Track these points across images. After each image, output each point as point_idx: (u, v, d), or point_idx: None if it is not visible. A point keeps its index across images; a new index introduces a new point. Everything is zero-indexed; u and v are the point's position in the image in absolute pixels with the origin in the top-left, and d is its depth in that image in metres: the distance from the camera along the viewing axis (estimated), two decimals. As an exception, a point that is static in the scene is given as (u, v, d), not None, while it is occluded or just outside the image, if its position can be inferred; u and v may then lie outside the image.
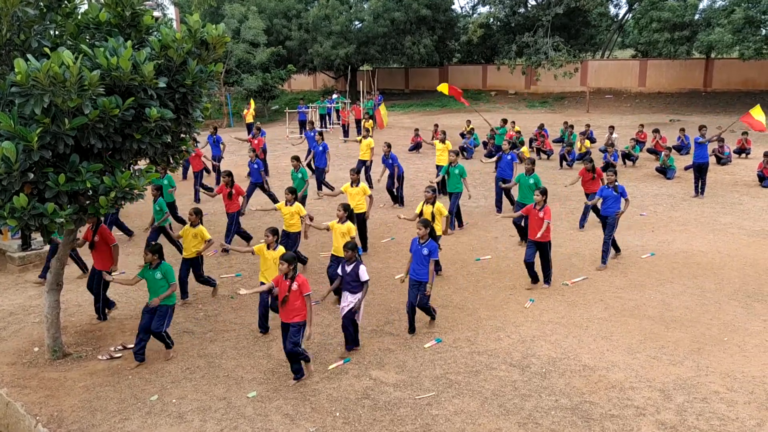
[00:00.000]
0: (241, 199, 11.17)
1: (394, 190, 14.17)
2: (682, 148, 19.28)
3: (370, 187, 15.56)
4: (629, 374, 6.69)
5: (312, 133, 16.89)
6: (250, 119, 23.61)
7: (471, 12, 41.26)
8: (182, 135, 7.18)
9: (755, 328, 7.75)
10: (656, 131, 19.27)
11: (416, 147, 21.12)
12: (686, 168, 16.58)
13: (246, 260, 10.69)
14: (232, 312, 8.67)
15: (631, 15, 37.32)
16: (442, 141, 14.94)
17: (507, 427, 5.81)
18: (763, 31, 26.02)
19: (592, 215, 12.17)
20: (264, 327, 7.90)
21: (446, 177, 12.18)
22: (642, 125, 20.65)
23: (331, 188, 14.45)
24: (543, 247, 9.06)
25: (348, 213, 8.44)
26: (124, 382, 6.83)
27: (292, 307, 6.45)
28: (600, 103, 32.16)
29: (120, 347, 7.62)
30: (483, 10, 38.87)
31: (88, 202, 6.22)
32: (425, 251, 7.53)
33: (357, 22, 36.02)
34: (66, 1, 6.67)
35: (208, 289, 9.42)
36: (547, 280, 9.27)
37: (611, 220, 9.89)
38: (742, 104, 26.63)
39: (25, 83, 5.27)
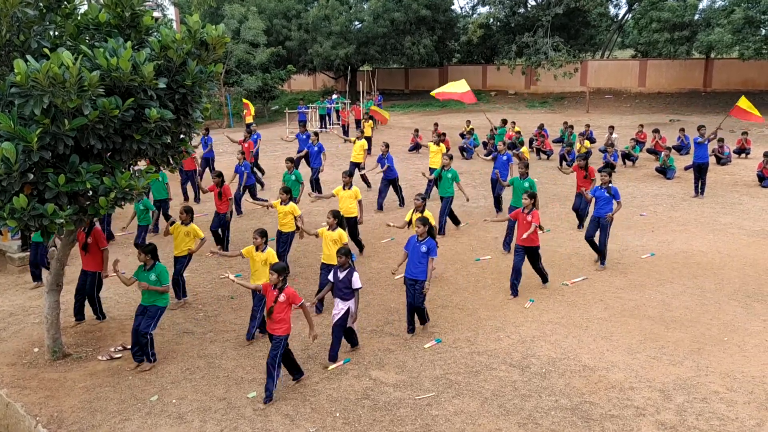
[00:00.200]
0: (230, 201, 10.93)
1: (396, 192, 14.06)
2: (681, 148, 19.29)
3: (369, 187, 15.57)
4: (629, 374, 6.69)
5: (304, 136, 16.83)
6: (249, 119, 23.63)
7: (471, 12, 41.28)
8: (182, 135, 7.17)
9: (755, 328, 7.75)
10: (656, 131, 19.28)
11: (416, 147, 21.12)
12: (686, 168, 16.58)
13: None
14: (232, 312, 8.67)
15: (630, 15, 37.34)
16: (437, 143, 14.69)
17: (507, 428, 5.81)
18: (763, 31, 26.03)
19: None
20: (264, 331, 7.84)
21: (439, 180, 11.90)
22: (642, 125, 20.66)
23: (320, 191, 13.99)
24: (531, 253, 8.86)
25: (338, 220, 8.22)
26: (124, 382, 6.83)
27: (277, 318, 6.26)
28: (600, 103, 32.17)
29: (120, 348, 7.61)
30: (483, 10, 38.90)
31: (88, 202, 6.22)
32: (423, 248, 7.52)
33: (357, 23, 36.03)
34: (66, 2, 6.66)
35: (208, 289, 9.42)
36: (544, 280, 9.22)
37: (603, 221, 9.76)
38: (741, 104, 26.64)
39: (25, 84, 5.28)
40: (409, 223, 9.14)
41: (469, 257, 10.69)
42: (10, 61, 6.05)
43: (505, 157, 12.82)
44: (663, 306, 8.48)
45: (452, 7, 38.31)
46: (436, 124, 21.64)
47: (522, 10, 35.94)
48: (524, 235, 8.65)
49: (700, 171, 14.45)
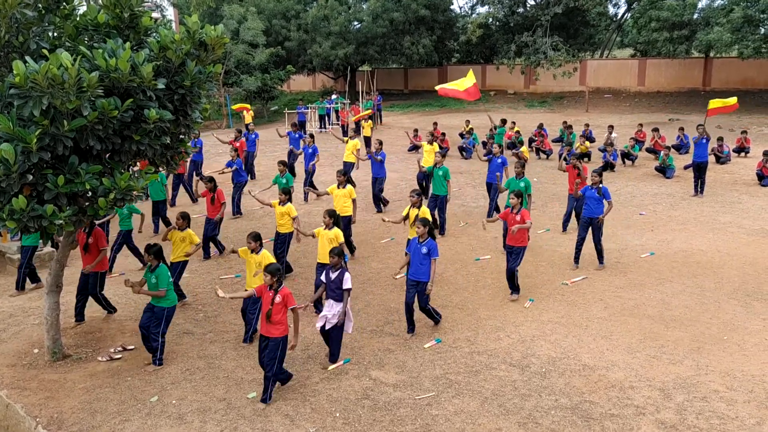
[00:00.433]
0: (222, 206, 10.63)
1: (378, 193, 13.61)
2: (681, 147, 19.31)
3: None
4: (629, 373, 6.69)
5: (297, 135, 16.74)
6: (249, 120, 23.71)
7: (470, 12, 41.33)
8: (181, 136, 7.17)
9: (755, 326, 7.76)
10: (655, 130, 19.29)
11: (415, 147, 21.10)
12: (686, 167, 16.60)
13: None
14: (232, 313, 8.66)
15: (629, 14, 37.37)
16: (430, 143, 14.46)
17: (507, 427, 5.81)
18: (762, 30, 26.06)
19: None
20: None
21: (431, 177, 11.69)
22: (641, 124, 20.67)
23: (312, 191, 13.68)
24: (515, 252, 8.62)
25: (334, 219, 8.21)
26: (124, 383, 6.83)
27: (274, 320, 6.22)
28: (599, 102, 32.19)
29: (120, 348, 7.61)
30: (482, 10, 38.97)
31: (87, 203, 6.22)
32: (424, 250, 7.50)
33: (356, 23, 36.04)
34: (64, 3, 6.66)
35: (208, 289, 9.41)
36: (514, 290, 8.82)
37: (596, 222, 9.67)
38: (741, 103, 26.51)
39: (24, 85, 5.27)
40: (406, 218, 9.12)
41: (468, 257, 10.70)
42: (9, 62, 6.05)
43: (499, 160, 12.38)
44: (663, 305, 8.48)
45: (451, 7, 38.32)
46: (435, 124, 21.65)
47: (521, 10, 35.96)
48: (513, 229, 8.43)
49: (699, 170, 14.45)
